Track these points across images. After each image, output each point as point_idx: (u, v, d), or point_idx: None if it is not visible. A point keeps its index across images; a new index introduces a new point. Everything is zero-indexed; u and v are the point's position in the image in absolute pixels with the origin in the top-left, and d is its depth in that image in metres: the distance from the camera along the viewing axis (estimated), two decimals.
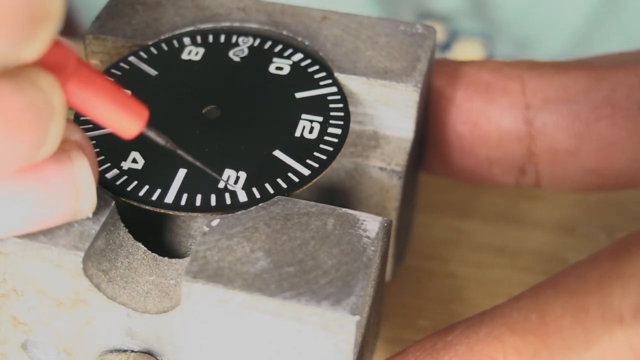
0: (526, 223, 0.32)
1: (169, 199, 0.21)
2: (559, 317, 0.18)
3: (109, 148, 0.22)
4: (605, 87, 0.25)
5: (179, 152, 0.21)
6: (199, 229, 0.23)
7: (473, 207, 0.31)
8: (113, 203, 0.21)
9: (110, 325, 0.21)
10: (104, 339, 0.22)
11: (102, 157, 0.22)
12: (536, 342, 0.18)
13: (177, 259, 0.22)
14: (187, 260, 0.21)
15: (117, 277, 0.21)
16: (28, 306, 0.21)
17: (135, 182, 0.21)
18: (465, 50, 0.46)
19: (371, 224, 0.20)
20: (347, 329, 0.19)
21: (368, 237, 0.20)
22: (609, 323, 0.17)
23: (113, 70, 0.24)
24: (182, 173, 0.22)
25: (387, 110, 0.24)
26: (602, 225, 0.32)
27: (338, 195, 0.25)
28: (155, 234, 0.23)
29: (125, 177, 0.22)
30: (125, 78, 0.24)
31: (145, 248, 0.22)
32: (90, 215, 0.20)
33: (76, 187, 0.19)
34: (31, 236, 0.20)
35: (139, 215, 0.22)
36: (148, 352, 0.21)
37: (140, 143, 0.22)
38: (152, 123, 0.21)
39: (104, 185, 0.21)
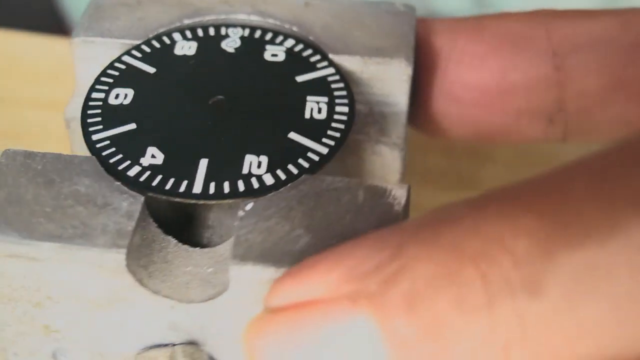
0: None
1: (197, 189, 0.21)
2: (582, 199, 0.16)
3: (124, 146, 0.22)
4: (633, 32, 0.25)
5: None
6: (216, 220, 0.24)
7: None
8: (143, 199, 0.21)
9: (151, 320, 0.21)
10: (143, 336, 0.22)
11: (120, 156, 0.22)
12: (552, 225, 0.16)
13: (207, 249, 0.22)
14: (219, 248, 0.22)
15: (156, 271, 0.21)
16: (62, 312, 0.21)
17: (160, 177, 0.22)
18: None
19: (398, 192, 0.21)
20: None
21: (399, 205, 0.21)
22: (638, 208, 0.15)
23: (109, 71, 0.24)
24: (204, 163, 0.22)
25: (381, 87, 0.25)
26: None
27: (340, 173, 0.26)
28: (171, 228, 0.23)
29: (148, 172, 0.22)
30: (124, 77, 0.24)
31: (176, 240, 0.22)
32: None
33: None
34: (67, 239, 0.20)
35: (151, 211, 0.22)
36: (191, 343, 0.22)
37: (155, 138, 0.22)
38: (162, 119, 0.21)
39: (129, 183, 0.21)
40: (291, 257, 0.20)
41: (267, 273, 0.20)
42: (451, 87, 0.26)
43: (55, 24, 0.23)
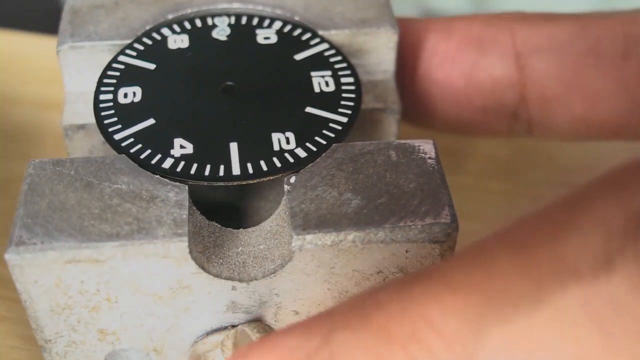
0: None
1: (236, 170, 0.22)
2: (506, 274, 0.16)
3: (150, 141, 0.22)
4: (591, 36, 0.26)
5: None
6: (249, 200, 0.24)
7: (472, 210, 0.30)
8: (186, 187, 0.21)
9: (210, 305, 0.21)
10: (200, 324, 0.22)
11: (149, 151, 0.22)
12: (480, 302, 0.16)
13: (251, 228, 0.22)
14: (263, 225, 0.22)
15: (212, 255, 0.21)
16: (121, 313, 0.21)
17: (196, 165, 0.22)
18: None
19: (427, 147, 0.23)
20: (452, 236, 0.21)
21: (431, 158, 0.22)
22: (563, 278, 0.15)
23: (110, 72, 0.24)
24: (234, 146, 0.22)
25: (369, 57, 0.26)
26: None
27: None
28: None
29: (182, 162, 0.22)
30: (127, 76, 0.24)
31: (219, 225, 0.22)
32: None
33: None
34: (126, 236, 0.20)
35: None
36: (254, 320, 0.22)
37: (178, 130, 0.23)
38: (179, 111, 0.22)
39: (169, 173, 0.22)
40: (348, 220, 0.21)
41: (329, 238, 0.20)
42: (422, 84, 0.28)
43: (55, 24, 0.23)
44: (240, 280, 0.21)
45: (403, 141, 0.23)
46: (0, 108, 0.34)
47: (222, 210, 0.24)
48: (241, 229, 0.22)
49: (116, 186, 0.21)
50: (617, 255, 0.15)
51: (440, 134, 0.29)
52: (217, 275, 0.21)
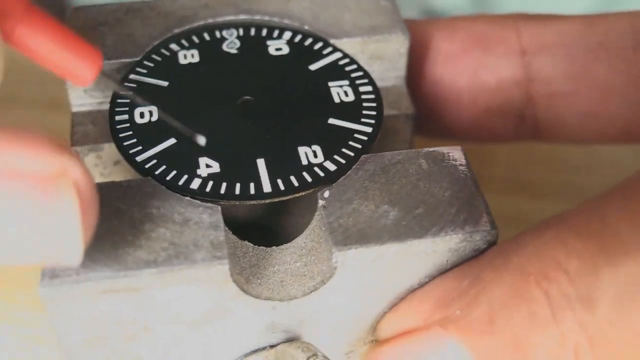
0: (526, 222, 0.32)
1: (267, 188, 0.21)
2: (617, 221, 0.19)
3: (175, 161, 0.22)
4: (599, 31, 0.26)
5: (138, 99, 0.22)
6: (279, 217, 0.24)
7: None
8: (219, 208, 0.21)
9: (248, 327, 0.21)
10: (237, 346, 0.21)
11: (175, 172, 0.21)
12: (595, 246, 0.19)
13: (284, 245, 0.22)
14: (297, 242, 0.22)
15: (250, 276, 0.21)
16: (157, 340, 0.21)
17: (225, 184, 0.21)
18: None
19: (456, 154, 0.22)
20: (492, 240, 0.21)
21: (462, 165, 0.22)
22: None
23: (122, 93, 0.24)
24: (261, 162, 0.22)
25: (381, 64, 0.26)
26: None
27: None
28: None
29: (210, 182, 0.21)
30: (141, 95, 0.23)
31: (252, 244, 0.22)
32: (75, 263, 0.18)
33: (56, 226, 0.17)
34: (164, 263, 0.19)
35: None
36: (289, 340, 0.22)
37: (202, 148, 0.22)
38: (203, 129, 0.22)
39: (198, 194, 0.21)
40: (388, 232, 0.20)
41: (371, 253, 0.20)
42: (425, 84, 0.28)
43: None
44: (281, 300, 0.21)
45: (432, 149, 0.22)
46: (1, 108, 0.33)
47: (247, 228, 0.23)
48: (274, 247, 0.22)
49: (146, 211, 0.21)
50: None
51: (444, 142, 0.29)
52: (256, 296, 0.20)
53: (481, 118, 0.28)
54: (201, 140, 0.22)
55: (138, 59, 0.25)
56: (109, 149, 0.24)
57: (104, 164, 0.24)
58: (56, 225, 0.17)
